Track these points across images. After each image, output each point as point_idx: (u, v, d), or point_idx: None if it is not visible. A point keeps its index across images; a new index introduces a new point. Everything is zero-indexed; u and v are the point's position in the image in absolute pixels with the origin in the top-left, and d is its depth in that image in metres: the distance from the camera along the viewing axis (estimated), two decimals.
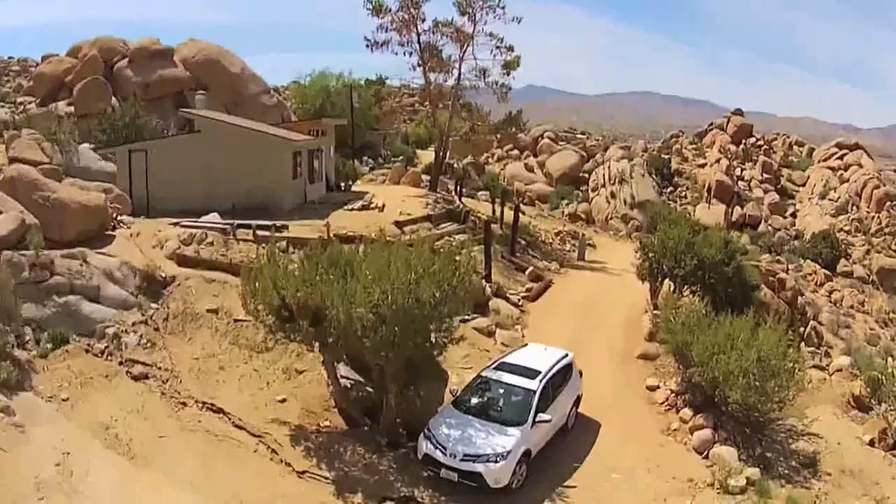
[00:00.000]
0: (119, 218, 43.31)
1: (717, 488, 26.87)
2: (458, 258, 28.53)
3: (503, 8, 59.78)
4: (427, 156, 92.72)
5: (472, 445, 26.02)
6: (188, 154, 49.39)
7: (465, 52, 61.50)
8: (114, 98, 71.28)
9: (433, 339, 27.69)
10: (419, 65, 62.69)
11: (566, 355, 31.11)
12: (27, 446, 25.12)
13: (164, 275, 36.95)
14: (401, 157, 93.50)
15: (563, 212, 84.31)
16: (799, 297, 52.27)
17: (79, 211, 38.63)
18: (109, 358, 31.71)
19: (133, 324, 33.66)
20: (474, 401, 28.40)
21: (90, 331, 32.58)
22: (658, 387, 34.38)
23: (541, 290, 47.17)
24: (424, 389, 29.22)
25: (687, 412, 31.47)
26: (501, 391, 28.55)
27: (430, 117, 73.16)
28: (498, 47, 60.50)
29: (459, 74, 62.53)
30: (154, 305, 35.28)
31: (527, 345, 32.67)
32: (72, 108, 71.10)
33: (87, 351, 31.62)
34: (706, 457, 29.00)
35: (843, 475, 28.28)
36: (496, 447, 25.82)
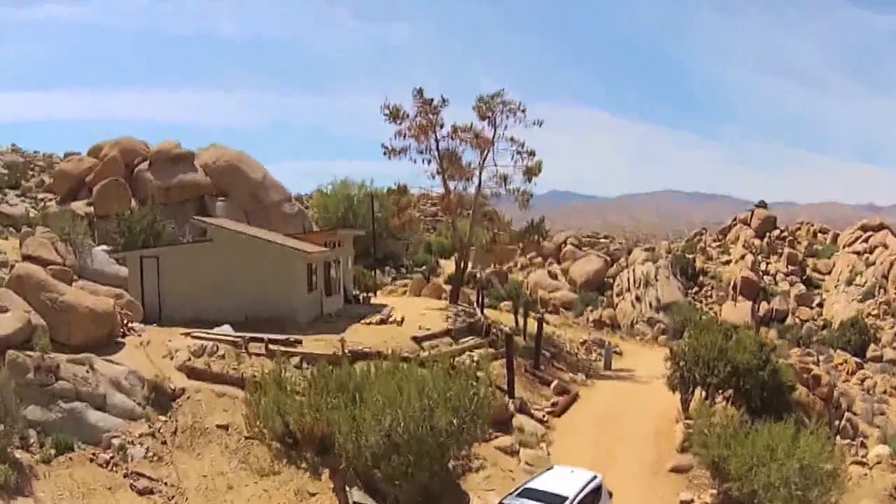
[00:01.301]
0: (130, 324, 42.18)
1: None
2: (476, 381, 26.98)
3: (524, 111, 58.97)
4: (449, 265, 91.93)
5: None
6: (200, 262, 48.36)
7: (485, 158, 60.49)
8: (133, 200, 70.76)
9: (451, 467, 26.14)
10: (438, 172, 61.43)
11: (594, 478, 29.05)
12: None
13: (173, 386, 35.68)
14: (423, 267, 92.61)
15: (587, 318, 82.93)
16: (834, 392, 50.59)
17: (87, 315, 37.62)
18: (114, 469, 30.21)
19: (140, 435, 32.31)
20: None
21: (95, 439, 31.24)
22: (692, 501, 32.90)
23: (567, 404, 45.50)
24: None
25: None
26: None
27: (450, 227, 72.07)
28: (519, 152, 59.37)
29: (480, 182, 61.30)
30: (162, 418, 33.96)
31: (552, 467, 30.74)
32: (91, 209, 70.64)
33: (91, 460, 30.17)
34: None
35: None
36: None
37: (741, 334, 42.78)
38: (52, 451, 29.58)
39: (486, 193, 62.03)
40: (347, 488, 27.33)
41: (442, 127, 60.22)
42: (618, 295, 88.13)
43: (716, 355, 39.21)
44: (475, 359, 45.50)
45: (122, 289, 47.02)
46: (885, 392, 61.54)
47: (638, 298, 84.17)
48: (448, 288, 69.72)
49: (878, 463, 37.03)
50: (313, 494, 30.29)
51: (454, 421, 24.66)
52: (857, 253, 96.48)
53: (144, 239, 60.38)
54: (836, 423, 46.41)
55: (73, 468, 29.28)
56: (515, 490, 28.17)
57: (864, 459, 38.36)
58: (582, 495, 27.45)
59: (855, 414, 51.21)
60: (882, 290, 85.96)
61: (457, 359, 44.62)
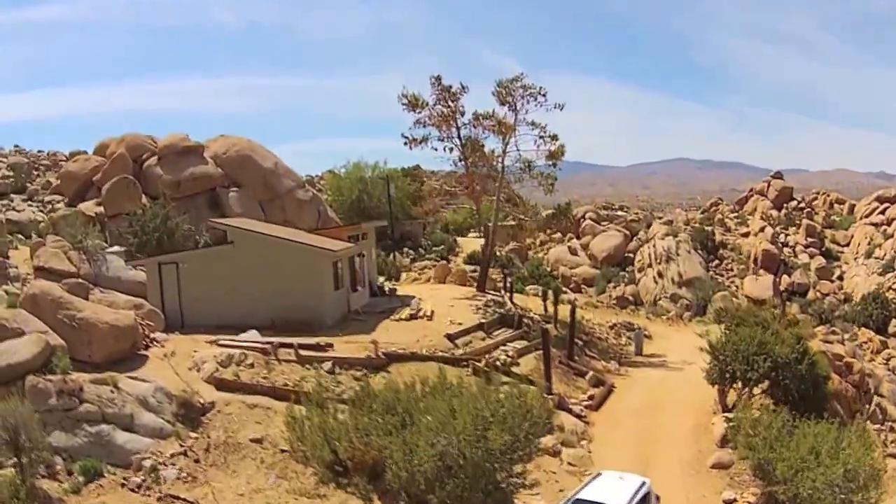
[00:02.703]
0: (151, 335, 40.91)
1: None
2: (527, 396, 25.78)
3: (545, 95, 57.63)
4: (467, 243, 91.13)
5: None
6: (222, 266, 47.10)
7: (507, 143, 59.33)
8: (144, 197, 69.41)
9: (505, 485, 24.91)
10: (461, 159, 60.59)
11: (643, 484, 28.01)
12: None
13: (202, 400, 34.50)
14: (441, 247, 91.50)
15: (609, 295, 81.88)
16: (868, 379, 49.76)
17: (108, 332, 36.31)
18: (147, 493, 29.04)
19: (171, 455, 31.19)
20: None
21: (125, 462, 30.20)
22: (735, 500, 32.09)
23: (603, 397, 44.57)
24: None
25: None
26: None
27: (474, 214, 71.04)
28: (542, 137, 58.12)
29: (503, 168, 60.24)
30: (193, 434, 32.82)
31: (600, 473, 29.50)
32: (101, 208, 69.33)
33: (122, 485, 29.08)
34: None
35: None
36: None
37: (778, 327, 42.30)
38: (81, 479, 28.58)
39: (509, 179, 61.15)
40: None
41: (463, 114, 59.28)
42: (639, 271, 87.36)
43: (755, 350, 38.52)
44: (509, 353, 44.72)
45: (140, 296, 45.83)
46: None
47: (660, 274, 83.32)
48: (469, 269, 70.02)
49: None
50: None
51: (508, 439, 23.38)
52: (875, 225, 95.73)
53: (158, 238, 59.10)
54: (866, 407, 46.71)
55: (105, 496, 28.23)
56: (566, 501, 27.16)
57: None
58: None
59: (882, 396, 50.56)
60: None
61: (493, 354, 43.89)
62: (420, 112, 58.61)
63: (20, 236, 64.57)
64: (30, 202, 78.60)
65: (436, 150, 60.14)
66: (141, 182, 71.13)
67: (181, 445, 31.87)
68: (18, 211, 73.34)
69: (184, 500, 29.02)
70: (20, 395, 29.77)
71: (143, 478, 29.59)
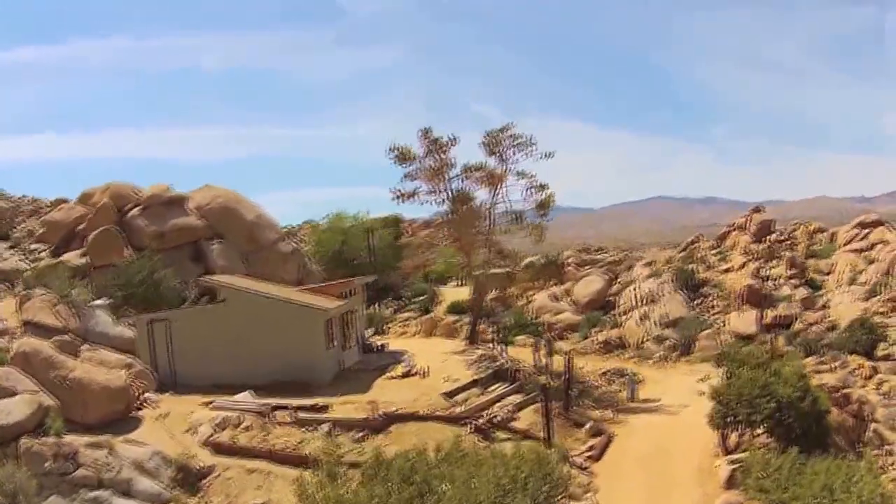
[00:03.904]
0: (144, 396, 40.49)
1: None
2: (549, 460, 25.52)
3: (534, 145, 57.81)
4: (448, 293, 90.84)
5: None
6: (214, 324, 46.77)
7: (496, 194, 59.44)
8: (127, 248, 68.73)
9: None
10: (450, 213, 60.52)
11: None
12: None
13: (200, 465, 34.14)
14: (423, 297, 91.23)
15: (594, 340, 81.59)
16: (864, 407, 49.94)
17: (100, 393, 36.35)
18: None
19: None
20: None
21: None
22: None
23: (603, 446, 44.28)
24: None
25: None
26: None
27: (461, 265, 70.68)
28: (531, 187, 58.49)
29: (492, 220, 60.35)
30: (192, 501, 32.34)
31: None
32: (85, 259, 68.58)
33: None
34: None
35: None
36: None
37: (777, 367, 42.54)
38: None
39: (498, 230, 61.37)
40: None
41: (453, 167, 59.12)
42: (623, 313, 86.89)
43: (758, 392, 38.73)
44: (508, 409, 44.41)
45: (129, 352, 45.25)
46: None
47: (644, 316, 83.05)
48: (453, 319, 70.63)
49: None
50: None
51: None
52: (857, 251, 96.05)
53: (144, 290, 58.54)
54: (864, 434, 46.70)
55: None
56: None
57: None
58: None
59: (878, 422, 50.55)
60: (887, 287, 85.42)
61: (491, 410, 43.59)
62: (409, 165, 58.44)
63: (5, 283, 63.96)
64: (13, 250, 77.86)
65: (423, 204, 60.31)
66: (125, 232, 70.49)
67: None
68: (3, 259, 72.74)
69: None
70: (15, 458, 29.40)
71: None
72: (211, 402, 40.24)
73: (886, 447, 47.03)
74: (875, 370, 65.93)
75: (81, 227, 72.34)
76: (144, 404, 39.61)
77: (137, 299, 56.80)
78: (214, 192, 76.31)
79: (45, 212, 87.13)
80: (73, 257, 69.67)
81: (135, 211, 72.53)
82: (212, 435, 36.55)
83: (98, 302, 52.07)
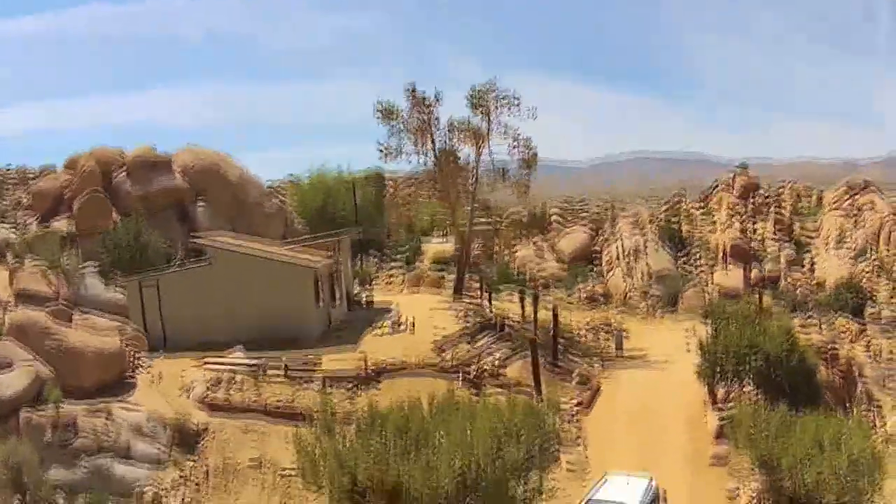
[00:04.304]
0: (137, 358, 40.73)
1: None
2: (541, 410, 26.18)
3: (518, 102, 58.06)
4: (432, 247, 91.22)
5: None
6: (203, 285, 46.90)
7: (481, 151, 59.62)
8: (114, 212, 68.84)
9: (521, 497, 25.30)
10: (436, 169, 61.07)
11: (650, 482, 29.20)
12: None
13: (195, 425, 34.67)
14: (406, 249, 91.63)
15: (579, 293, 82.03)
16: (852, 366, 51.07)
17: (95, 359, 36.65)
18: None
19: (172, 483, 31.34)
20: None
21: (125, 492, 30.44)
22: (738, 489, 33.19)
23: (592, 398, 44.94)
24: None
25: None
26: None
27: (449, 223, 71.34)
28: (515, 146, 58.89)
29: (477, 176, 60.69)
30: (190, 460, 32.91)
31: (606, 476, 30.03)
32: (73, 226, 68.63)
33: None
34: None
35: None
36: None
37: (766, 324, 42.90)
38: None
39: (483, 187, 61.85)
40: None
41: (438, 123, 59.37)
42: (608, 267, 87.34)
43: (746, 347, 39.09)
44: (496, 360, 44.98)
45: (120, 315, 45.64)
46: (890, 357, 61.34)
47: (629, 270, 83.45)
48: (438, 273, 71.32)
49: None
50: None
51: (524, 454, 24.23)
52: (845, 213, 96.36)
53: (132, 255, 58.71)
54: (854, 392, 47.50)
55: None
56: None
57: (889, 431, 39.47)
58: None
59: (866, 380, 51.47)
60: (874, 251, 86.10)
61: (480, 362, 44.18)
62: (395, 122, 58.64)
63: None
64: (2, 221, 77.67)
65: (410, 162, 61.15)
66: (111, 196, 70.53)
67: (180, 473, 32.03)
68: None
69: None
70: (16, 431, 29.76)
71: None
72: (203, 362, 40.49)
73: (876, 405, 47.94)
74: (863, 331, 66.84)
75: (68, 194, 72.31)
76: (138, 367, 39.90)
77: (125, 263, 56.89)
78: (198, 153, 76.22)
79: (32, 181, 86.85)
80: (61, 224, 69.69)
81: (120, 175, 72.41)
82: (206, 394, 37.03)
83: (88, 266, 52.44)
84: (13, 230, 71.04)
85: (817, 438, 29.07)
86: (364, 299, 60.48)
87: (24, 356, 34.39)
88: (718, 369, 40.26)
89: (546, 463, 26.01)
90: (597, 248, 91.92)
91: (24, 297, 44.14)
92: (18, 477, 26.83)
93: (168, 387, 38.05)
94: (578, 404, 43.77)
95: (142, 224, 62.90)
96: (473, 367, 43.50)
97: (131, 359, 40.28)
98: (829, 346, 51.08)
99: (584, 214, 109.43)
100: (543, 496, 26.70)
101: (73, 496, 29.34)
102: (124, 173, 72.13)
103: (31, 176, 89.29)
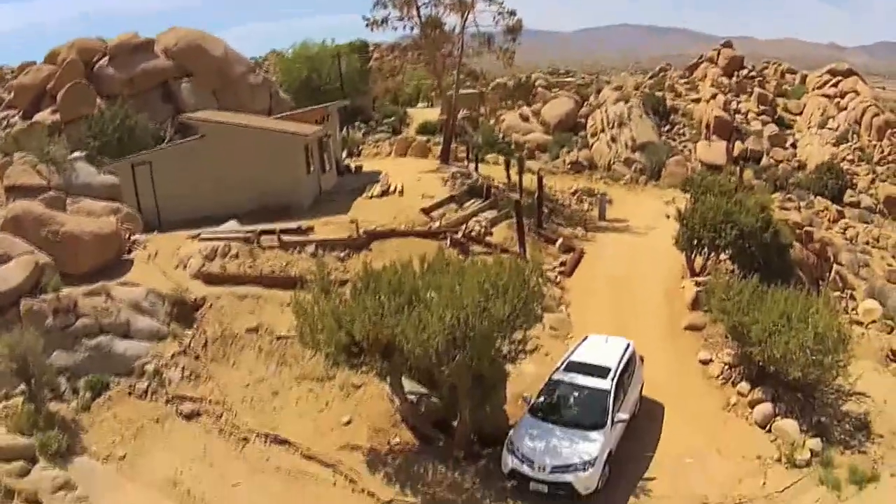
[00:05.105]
0: (132, 238, 41.46)
1: (785, 463, 27.12)
2: (526, 270, 27.14)
3: None
4: (417, 114, 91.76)
5: (558, 456, 25.21)
6: (195, 161, 47.30)
7: (465, 20, 59.84)
8: (98, 99, 68.89)
9: (506, 353, 26.56)
10: (421, 38, 61.18)
11: (628, 345, 30.36)
12: None
13: (193, 297, 35.28)
14: (392, 119, 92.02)
15: (563, 160, 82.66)
16: (827, 248, 51.93)
17: (92, 242, 36.92)
18: (154, 398, 30.28)
19: (172, 356, 32.13)
20: (551, 407, 27.50)
21: (128, 369, 31.11)
22: (711, 360, 33.98)
23: (575, 263, 45.91)
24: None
25: (744, 386, 31.34)
26: (576, 394, 27.65)
27: (436, 90, 71.79)
28: (500, 13, 59.10)
29: (462, 44, 60.98)
30: (189, 332, 33.69)
31: (587, 337, 31.50)
32: (57, 116, 68.78)
33: (129, 393, 30.18)
34: (769, 430, 29.06)
35: (894, 437, 28.39)
36: (583, 455, 25.12)
37: (742, 197, 43.71)
38: (88, 395, 29.52)
39: (469, 54, 62.15)
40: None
41: None
42: (592, 136, 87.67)
43: (722, 219, 39.88)
44: (483, 224, 45.88)
45: (112, 199, 46.13)
46: (867, 243, 62.61)
47: (613, 139, 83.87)
48: (425, 139, 72.70)
49: (874, 322, 38.80)
50: (358, 386, 30.83)
51: (510, 310, 25.15)
52: (828, 96, 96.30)
53: (119, 138, 59.14)
54: (827, 275, 48.52)
55: (115, 408, 29.37)
56: (560, 364, 29.23)
57: (860, 318, 40.07)
58: (622, 364, 28.71)
59: (841, 265, 52.51)
60: (856, 136, 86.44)
61: (467, 225, 45.11)
62: None
63: None
64: None
65: (395, 29, 61.18)
66: (94, 85, 70.44)
67: (180, 345, 32.66)
68: None
69: (191, 399, 30.13)
70: (18, 321, 30.25)
71: (148, 383, 30.63)
72: (198, 235, 41.06)
73: (849, 290, 48.93)
74: (841, 214, 67.67)
75: (50, 86, 72.01)
76: (134, 246, 40.52)
77: (112, 148, 57.27)
78: (180, 32, 75.90)
79: (11, 78, 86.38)
80: (44, 116, 69.81)
81: (103, 62, 72.11)
82: (202, 266, 37.63)
83: (74, 156, 52.79)
84: None
85: (786, 311, 30.02)
86: (353, 167, 61.17)
87: (22, 247, 34.60)
88: (696, 240, 41.13)
89: (529, 321, 26.86)
90: (581, 116, 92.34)
91: (15, 192, 44.56)
92: (24, 365, 27.36)
93: (164, 262, 38.62)
94: (562, 265, 45.03)
95: (127, 107, 62.90)
96: (461, 230, 44.42)
97: (127, 237, 40.89)
98: (804, 225, 52.28)
99: (570, 79, 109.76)
100: (526, 355, 27.86)
101: (76, 379, 30.00)
102: (107, 60, 71.96)
103: (11, 74, 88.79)
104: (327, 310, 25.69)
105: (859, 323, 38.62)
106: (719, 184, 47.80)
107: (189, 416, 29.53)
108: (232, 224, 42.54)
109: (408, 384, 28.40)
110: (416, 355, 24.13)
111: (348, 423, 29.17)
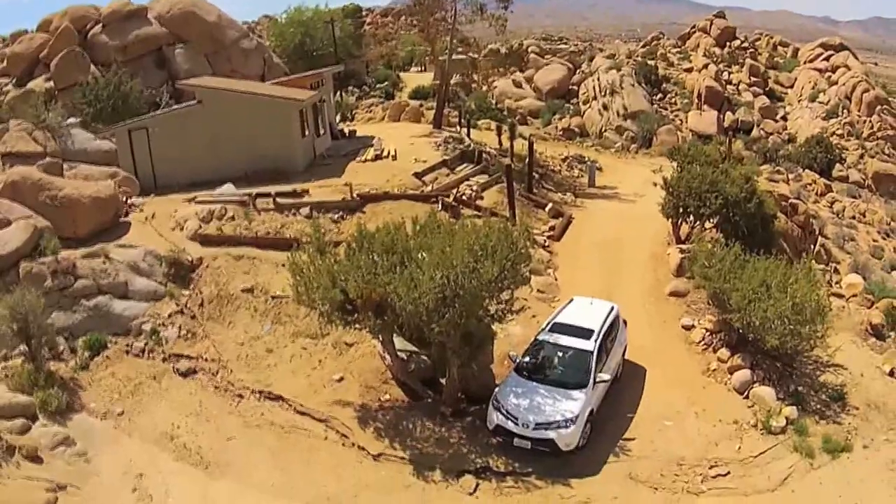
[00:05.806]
0: (129, 201, 42.07)
1: (761, 429, 27.46)
2: (514, 233, 27.88)
3: None
4: (410, 78, 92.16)
5: (542, 414, 25.94)
6: (192, 126, 47.56)
7: None
8: (92, 66, 69.17)
9: (493, 312, 27.25)
10: (414, 3, 62.08)
11: (612, 308, 30.88)
12: (97, 476, 24.58)
13: (189, 258, 35.92)
14: (385, 83, 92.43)
15: (555, 127, 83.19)
16: (812, 221, 52.35)
17: (90, 205, 37.38)
18: (151, 356, 30.98)
19: (169, 315, 32.80)
20: (536, 366, 28.17)
21: (125, 329, 31.73)
22: (693, 326, 34.25)
23: (563, 228, 46.36)
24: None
25: (724, 352, 31.62)
26: (560, 354, 28.28)
27: (430, 56, 72.79)
28: None
29: (455, 10, 61.50)
30: (185, 292, 34.31)
31: (573, 300, 31.91)
32: (51, 84, 69.07)
33: (127, 352, 30.88)
34: (746, 396, 29.40)
35: (869, 409, 28.66)
36: (565, 413, 25.82)
37: (728, 168, 43.77)
38: (87, 355, 30.12)
39: (461, 21, 62.30)
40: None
41: None
42: (584, 103, 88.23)
43: (707, 188, 40.13)
44: (474, 188, 46.51)
45: (108, 164, 46.73)
46: (853, 217, 63.19)
47: (605, 107, 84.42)
48: (419, 104, 73.10)
49: (854, 296, 38.63)
50: (350, 345, 31.51)
51: (498, 271, 25.73)
52: (819, 70, 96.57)
53: (113, 104, 59.82)
54: (811, 247, 48.74)
55: (113, 366, 30.01)
56: (546, 325, 29.74)
57: (841, 290, 39.89)
58: (606, 326, 29.29)
59: (826, 238, 53.19)
60: (846, 111, 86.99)
61: (459, 189, 45.74)
62: None
63: None
64: None
65: None
66: (88, 52, 70.61)
67: (176, 305, 33.29)
68: None
69: (187, 357, 30.87)
70: (17, 283, 30.69)
71: (146, 341, 31.31)
72: (194, 198, 41.62)
73: (833, 264, 49.47)
74: (829, 188, 68.19)
75: (44, 54, 72.11)
76: (131, 209, 41.05)
77: (106, 114, 58.10)
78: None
79: (3, 47, 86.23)
80: (38, 84, 69.96)
81: (96, 29, 72.40)
82: (198, 228, 38.25)
83: (71, 121, 53.22)
84: None
85: (765, 280, 30.32)
86: (347, 131, 61.87)
87: (21, 212, 35.11)
88: (681, 208, 41.50)
89: (517, 282, 27.48)
90: (573, 84, 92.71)
91: (12, 158, 45.03)
92: (25, 326, 27.74)
93: (161, 224, 39.23)
94: (551, 229, 45.53)
95: (122, 74, 63.34)
96: (452, 194, 45.05)
97: (124, 201, 41.51)
98: (790, 198, 52.42)
99: (563, 46, 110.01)
100: (513, 315, 28.55)
101: (74, 339, 30.59)
102: (100, 27, 72.19)
103: (3, 42, 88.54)
104: (322, 269, 26.40)
105: (840, 296, 38.88)
106: (706, 153, 47.91)
107: (185, 374, 30.27)
108: (228, 187, 43.08)
109: (399, 342, 29.14)
110: (407, 312, 24.85)
111: (340, 380, 29.89)
